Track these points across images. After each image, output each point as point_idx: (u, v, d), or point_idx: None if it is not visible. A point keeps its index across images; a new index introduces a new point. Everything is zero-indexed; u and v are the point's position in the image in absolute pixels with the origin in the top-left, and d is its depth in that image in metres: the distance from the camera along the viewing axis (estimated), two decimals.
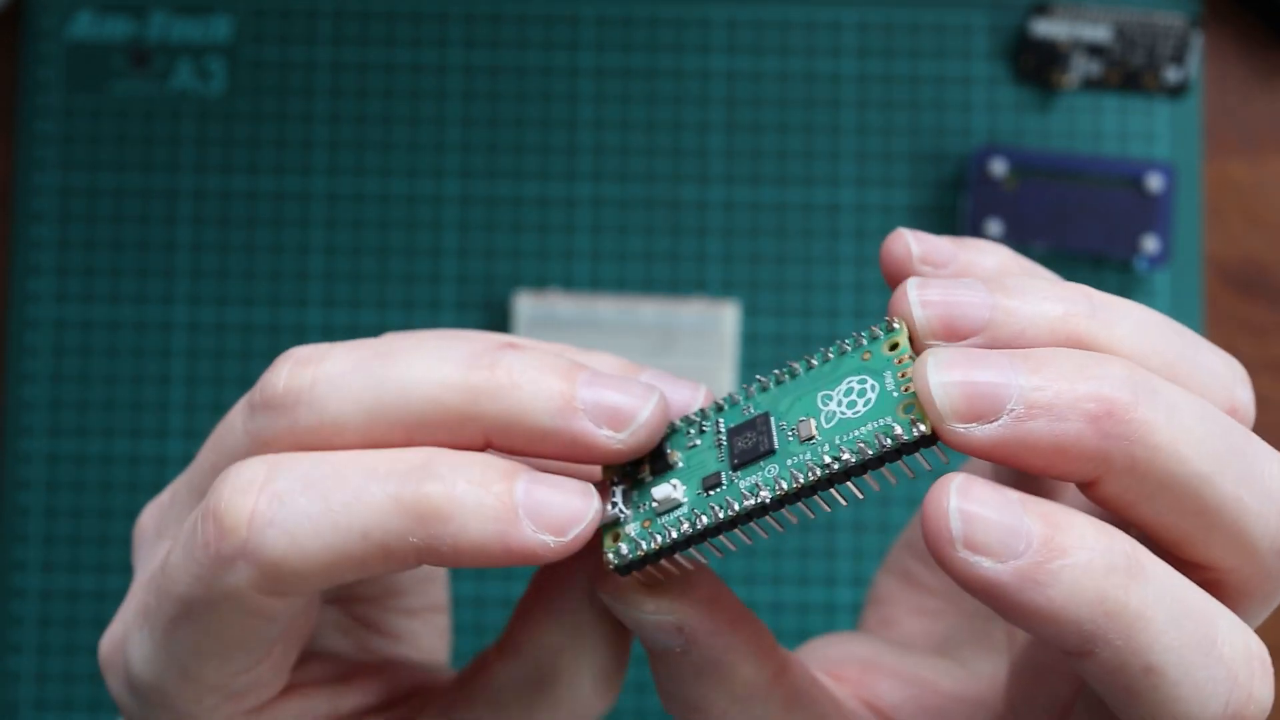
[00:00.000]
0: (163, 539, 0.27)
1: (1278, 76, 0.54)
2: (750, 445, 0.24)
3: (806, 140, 0.53)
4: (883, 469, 0.22)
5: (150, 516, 0.28)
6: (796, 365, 0.24)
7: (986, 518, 0.21)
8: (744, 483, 0.24)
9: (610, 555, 0.24)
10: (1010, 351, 0.22)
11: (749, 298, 0.53)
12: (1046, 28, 0.53)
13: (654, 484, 0.24)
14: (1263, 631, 0.25)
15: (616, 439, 0.23)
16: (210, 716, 0.25)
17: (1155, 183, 0.51)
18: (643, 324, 0.51)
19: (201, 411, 0.52)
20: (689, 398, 0.25)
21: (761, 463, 0.24)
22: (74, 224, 0.53)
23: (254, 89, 0.53)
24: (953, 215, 0.53)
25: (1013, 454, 0.21)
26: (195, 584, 0.23)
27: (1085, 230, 0.51)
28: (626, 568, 0.24)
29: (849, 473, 0.23)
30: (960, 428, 0.21)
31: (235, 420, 0.25)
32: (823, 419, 0.23)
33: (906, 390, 0.22)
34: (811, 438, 0.23)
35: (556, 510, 0.23)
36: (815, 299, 0.53)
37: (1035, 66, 0.53)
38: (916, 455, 0.22)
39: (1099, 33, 0.53)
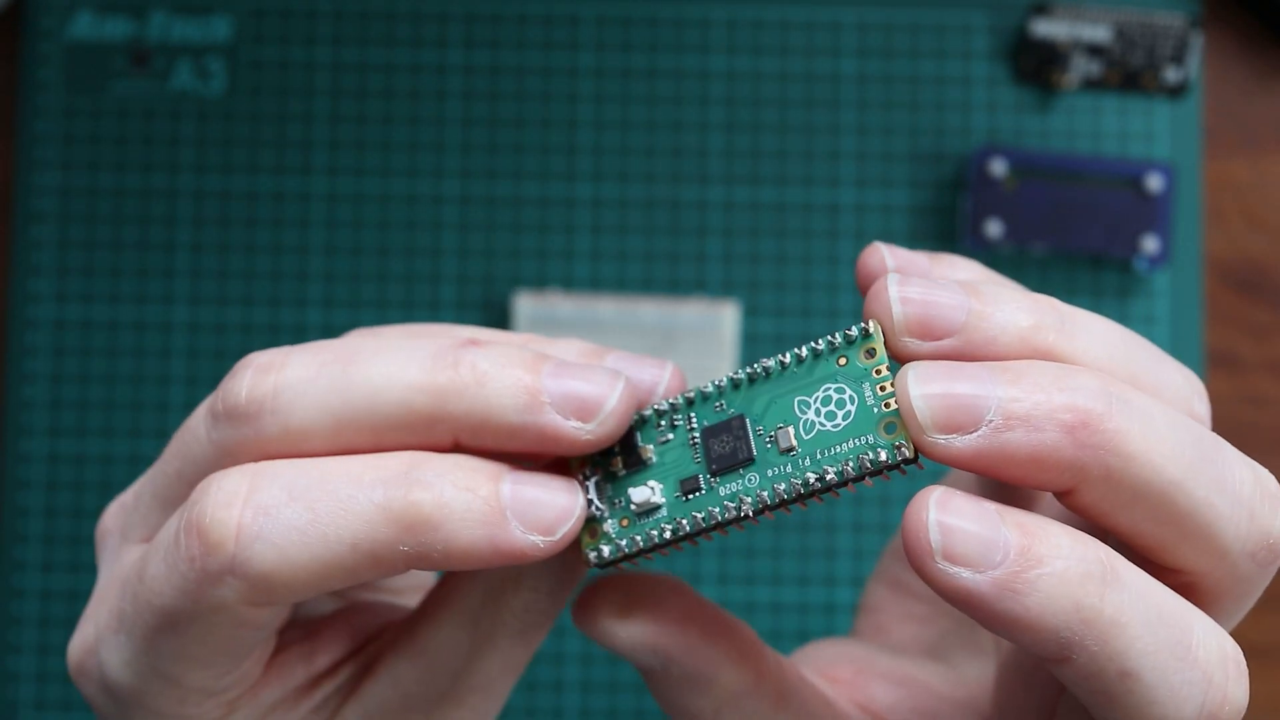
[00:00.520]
0: (128, 541, 0.27)
1: (1278, 76, 0.54)
2: (728, 451, 0.24)
3: (806, 140, 0.53)
4: (863, 480, 0.23)
5: (113, 517, 0.28)
6: (768, 362, 0.24)
7: (964, 529, 0.21)
8: (724, 490, 0.24)
9: (590, 554, 0.24)
10: (987, 364, 0.22)
11: (749, 298, 0.53)
12: (1046, 28, 0.53)
13: (629, 482, 0.25)
14: (1247, 631, 0.26)
15: (585, 430, 0.23)
16: (192, 715, 0.25)
17: (1155, 183, 0.51)
18: (643, 324, 0.51)
19: None
20: (655, 376, 0.25)
21: (741, 471, 0.24)
22: (74, 224, 0.53)
23: (254, 89, 0.53)
24: (953, 215, 0.53)
25: (991, 464, 0.22)
26: (179, 597, 0.23)
27: (1085, 230, 0.51)
28: (605, 565, 0.24)
29: (829, 488, 0.23)
30: (941, 439, 0.22)
31: (198, 428, 0.25)
32: (801, 428, 0.23)
33: (887, 406, 0.23)
34: (791, 449, 0.23)
35: (544, 510, 0.23)
36: (815, 299, 0.53)
37: (1035, 66, 0.53)
38: (898, 469, 0.23)
39: (1099, 33, 0.53)
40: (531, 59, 0.54)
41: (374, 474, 0.23)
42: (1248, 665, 0.23)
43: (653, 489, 0.24)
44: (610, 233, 0.53)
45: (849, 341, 0.23)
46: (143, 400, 0.52)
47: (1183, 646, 0.22)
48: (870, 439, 0.23)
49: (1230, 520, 0.22)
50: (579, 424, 0.23)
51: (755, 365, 0.24)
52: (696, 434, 0.24)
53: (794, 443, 0.23)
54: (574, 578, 0.26)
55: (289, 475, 0.23)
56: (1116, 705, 0.22)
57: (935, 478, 0.44)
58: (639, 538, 0.24)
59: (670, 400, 0.25)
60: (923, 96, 0.53)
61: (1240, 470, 0.23)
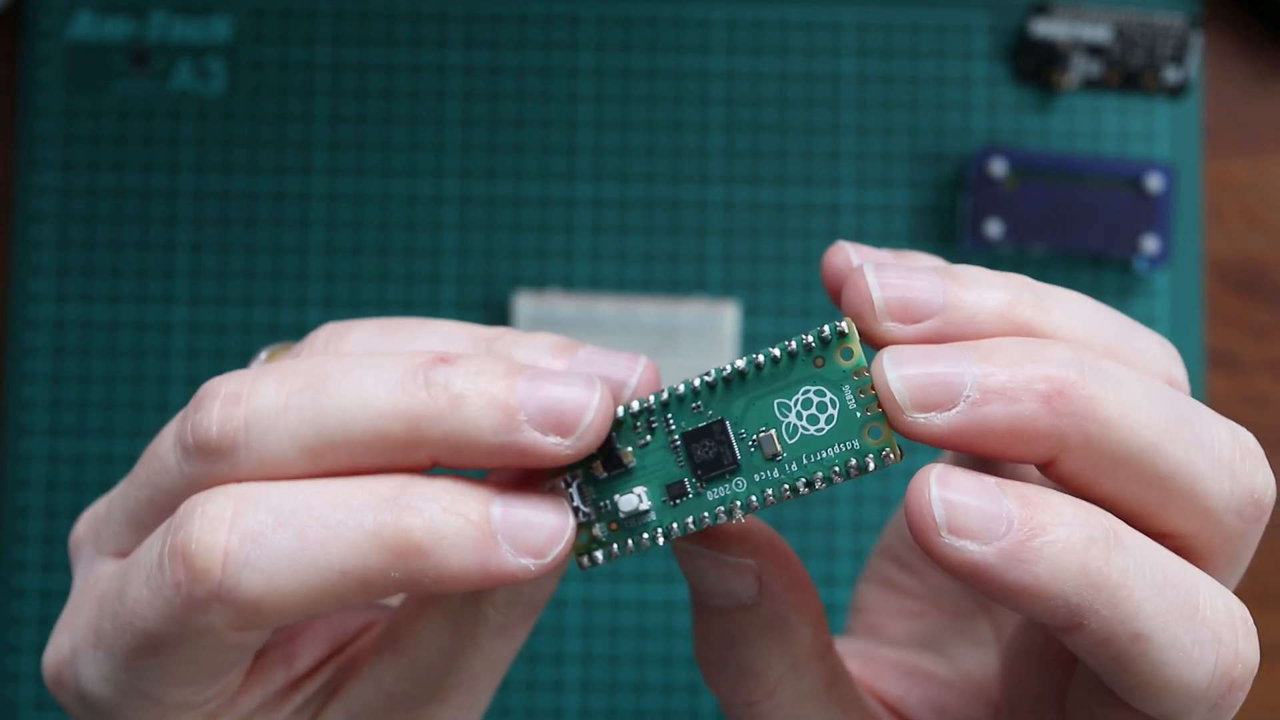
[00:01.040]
0: (101, 554, 0.26)
1: (1278, 76, 0.54)
2: (712, 457, 0.24)
3: (806, 140, 0.53)
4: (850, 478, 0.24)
5: (86, 525, 0.27)
6: (741, 363, 0.24)
7: (967, 503, 0.21)
8: (711, 495, 0.24)
9: (583, 559, 0.25)
10: (961, 343, 0.23)
11: (749, 298, 0.53)
12: (1046, 28, 0.53)
13: (614, 488, 0.25)
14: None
15: (564, 445, 0.23)
16: None
17: (1155, 183, 0.51)
18: (643, 324, 0.51)
19: None
20: (627, 369, 0.25)
21: (728, 476, 0.24)
22: (74, 224, 0.53)
23: (254, 89, 0.53)
24: (953, 215, 0.53)
25: (972, 439, 0.22)
26: (163, 622, 0.23)
27: (1085, 230, 0.51)
28: (593, 565, 0.25)
29: (816, 489, 0.24)
30: (920, 418, 0.22)
31: (168, 456, 0.24)
32: (784, 431, 0.24)
33: (869, 411, 0.23)
34: (776, 454, 0.24)
35: (535, 533, 0.23)
36: (815, 299, 0.53)
37: (1035, 67, 0.53)
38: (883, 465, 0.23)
39: (1099, 33, 0.53)
40: (531, 59, 0.54)
41: (361, 499, 0.23)
42: None
43: (639, 496, 0.24)
44: (610, 233, 0.53)
45: (824, 342, 0.23)
46: (143, 400, 0.52)
47: (1190, 607, 0.22)
48: (856, 444, 0.23)
49: (1212, 479, 0.23)
50: (558, 439, 0.23)
51: (729, 366, 0.24)
52: (676, 437, 0.24)
53: (778, 448, 0.24)
54: (555, 575, 0.26)
55: (274, 499, 0.23)
56: (1131, 670, 0.22)
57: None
58: (630, 542, 0.24)
59: (643, 402, 0.24)
60: (923, 96, 0.53)
61: (1218, 430, 0.23)
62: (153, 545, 0.24)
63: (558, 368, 0.25)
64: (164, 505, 0.25)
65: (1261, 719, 0.51)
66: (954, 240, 0.53)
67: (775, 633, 0.26)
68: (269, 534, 0.22)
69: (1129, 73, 0.53)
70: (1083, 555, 0.21)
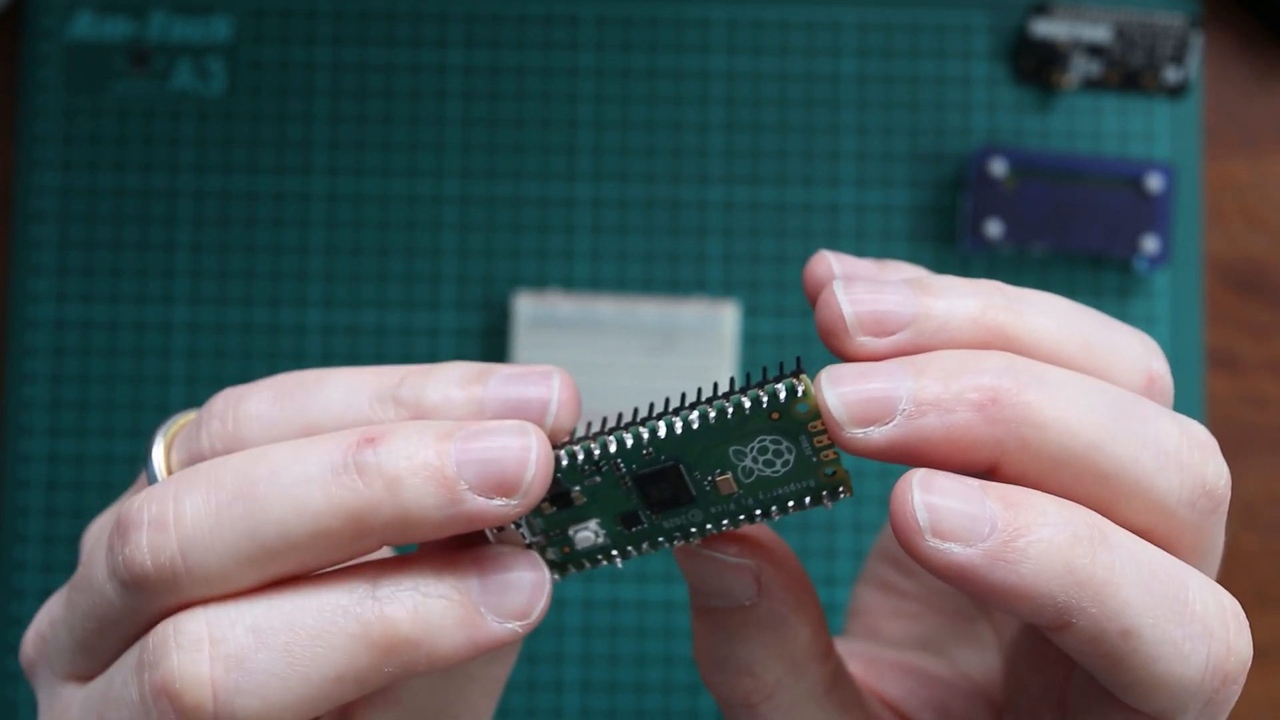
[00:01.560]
0: (59, 679, 0.25)
1: (1278, 76, 0.54)
2: (668, 496, 0.24)
3: (806, 140, 0.53)
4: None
5: (34, 647, 0.26)
6: (693, 416, 0.23)
7: (950, 506, 0.22)
8: (669, 524, 0.24)
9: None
10: (897, 359, 0.23)
11: (749, 298, 0.53)
12: (1046, 28, 0.53)
13: (565, 519, 0.24)
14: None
15: (512, 505, 0.23)
16: None
17: (1155, 183, 0.51)
18: (643, 324, 0.51)
19: None
20: (545, 389, 0.24)
21: (683, 510, 0.24)
22: (74, 224, 0.53)
23: (254, 89, 0.53)
24: (952, 215, 0.53)
25: (910, 451, 0.22)
26: None
27: (1085, 230, 0.51)
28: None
29: (771, 519, 0.24)
30: (859, 433, 0.22)
31: (105, 590, 0.23)
32: (739, 473, 0.24)
33: (826, 457, 0.23)
34: (732, 493, 0.24)
35: (515, 595, 0.23)
36: None
37: (1035, 66, 0.53)
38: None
39: (1099, 33, 0.53)
40: (531, 59, 0.54)
41: (336, 599, 0.22)
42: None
43: (595, 532, 0.24)
44: (610, 233, 0.53)
45: (777, 399, 0.23)
46: (143, 400, 0.52)
47: (1179, 601, 0.22)
48: (812, 483, 0.24)
49: (1159, 472, 0.23)
50: (503, 501, 0.22)
51: (679, 417, 0.23)
52: (628, 479, 0.24)
53: (734, 488, 0.24)
54: None
55: (249, 616, 0.22)
56: (1123, 667, 0.22)
57: None
58: (585, 562, 0.25)
59: (588, 450, 0.24)
60: (923, 96, 0.53)
61: (1162, 424, 0.23)
62: (128, 682, 0.23)
63: (475, 394, 0.24)
64: (116, 635, 0.24)
65: (1263, 719, 0.51)
66: (954, 240, 0.53)
67: (774, 633, 0.26)
68: (252, 655, 0.22)
69: (1129, 73, 0.53)
70: (1068, 553, 0.22)
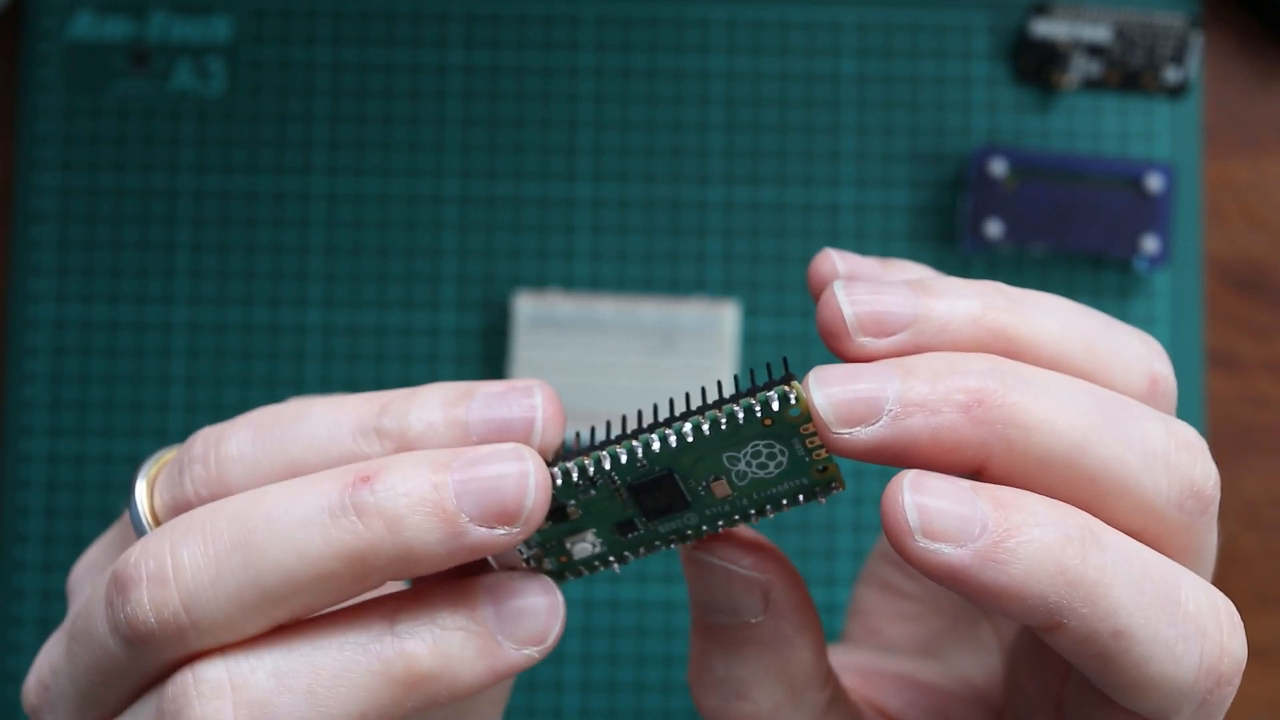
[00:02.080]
0: None
1: (1278, 76, 0.54)
2: (663, 505, 0.24)
3: (806, 140, 0.53)
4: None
5: (36, 695, 0.26)
6: (686, 427, 0.23)
7: (940, 507, 0.22)
8: (664, 528, 0.24)
9: None
10: (885, 360, 0.23)
11: (749, 298, 0.53)
12: (1046, 28, 0.53)
13: (561, 533, 0.24)
14: (1248, 630, 0.26)
15: (514, 532, 0.23)
16: None
17: (1155, 183, 0.51)
18: (643, 324, 0.51)
19: (201, 411, 0.52)
20: (528, 408, 0.24)
21: (678, 513, 0.24)
22: (74, 224, 0.53)
23: (254, 89, 0.53)
24: (953, 215, 0.53)
25: (896, 451, 0.22)
26: None
27: (1085, 230, 0.51)
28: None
29: (766, 517, 0.24)
30: (845, 433, 0.22)
31: (108, 644, 0.23)
32: (734, 477, 0.24)
33: (818, 456, 0.23)
34: (726, 496, 0.24)
35: (532, 621, 0.23)
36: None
37: (1035, 66, 0.53)
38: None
39: (1099, 33, 0.53)
40: (531, 59, 0.54)
41: (355, 638, 0.22)
42: (1247, 665, 0.23)
43: (592, 543, 0.25)
44: (610, 233, 0.53)
45: (770, 407, 0.23)
46: (143, 400, 0.52)
47: (1172, 602, 0.22)
48: (805, 481, 0.24)
49: (1146, 473, 0.23)
50: (506, 529, 0.22)
51: (672, 430, 0.23)
52: (623, 490, 0.24)
53: (729, 491, 0.24)
54: None
55: (269, 660, 0.22)
56: (1115, 668, 0.22)
57: None
58: (583, 569, 0.25)
59: (582, 467, 0.24)
60: (923, 96, 0.53)
61: (1149, 425, 0.23)
62: None
63: (458, 417, 0.23)
64: (124, 685, 0.24)
65: None
66: (954, 240, 0.53)
67: (776, 655, 0.25)
68: (275, 699, 0.22)
69: (1129, 73, 0.53)
70: (1059, 554, 0.22)
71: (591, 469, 0.24)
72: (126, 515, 0.25)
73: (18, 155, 0.53)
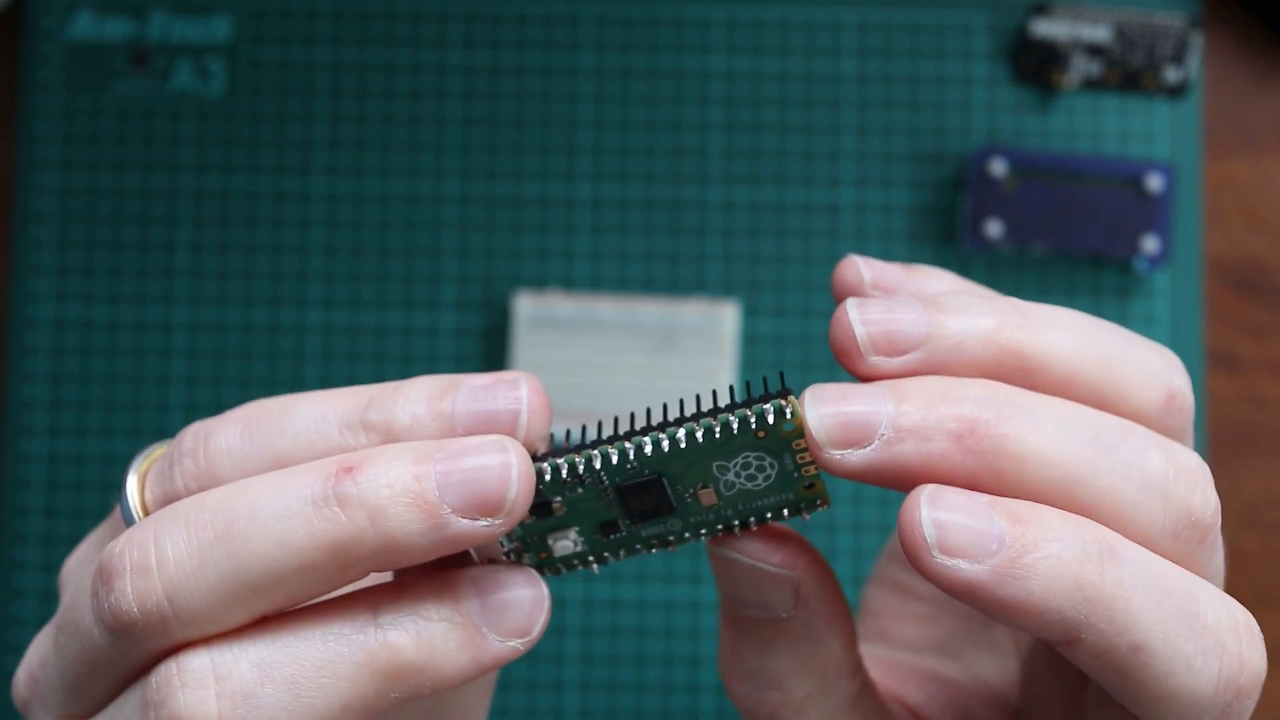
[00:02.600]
0: (50, 717, 0.25)
1: (1278, 76, 0.54)
2: (649, 508, 0.24)
3: (806, 140, 0.53)
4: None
5: (26, 688, 0.26)
6: (681, 434, 0.23)
7: (957, 522, 0.22)
8: (646, 532, 0.24)
9: None
10: (881, 383, 0.23)
11: (749, 298, 0.53)
12: (1046, 28, 0.53)
13: (544, 528, 0.24)
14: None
15: (496, 524, 0.22)
16: None
17: (1155, 183, 0.51)
18: (643, 324, 0.51)
19: (201, 411, 0.52)
20: (513, 400, 0.24)
21: (663, 518, 0.24)
22: (74, 224, 0.53)
23: (254, 89, 0.53)
24: (953, 215, 0.53)
25: (887, 475, 0.22)
26: None
27: (1085, 230, 0.51)
28: None
29: (749, 528, 0.24)
30: (837, 454, 0.22)
31: (93, 635, 0.23)
32: (721, 486, 0.24)
33: (808, 472, 0.24)
34: (713, 505, 0.24)
35: (516, 613, 0.23)
36: (815, 299, 0.53)
37: (1035, 67, 0.53)
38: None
39: (1099, 33, 0.53)
40: (531, 59, 0.54)
41: (339, 629, 0.22)
42: None
43: (574, 541, 0.24)
44: (610, 233, 0.53)
45: (765, 420, 0.23)
46: (143, 400, 0.52)
47: (1191, 615, 0.22)
48: (791, 496, 0.24)
49: (1142, 503, 0.23)
50: (488, 521, 0.22)
51: (665, 434, 0.23)
52: (610, 490, 0.24)
53: (715, 500, 0.24)
54: None
55: (253, 650, 0.22)
56: (1133, 682, 0.22)
57: None
58: (561, 566, 0.25)
59: (571, 463, 0.24)
60: (923, 96, 0.53)
61: (1148, 454, 0.23)
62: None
63: (444, 410, 0.23)
64: (109, 676, 0.24)
65: None
66: (954, 240, 0.53)
67: (807, 647, 0.25)
68: (258, 690, 0.22)
69: (1129, 73, 0.53)
70: (1076, 570, 0.21)
71: (581, 467, 0.24)
72: (118, 510, 0.25)
73: (18, 155, 0.53)
